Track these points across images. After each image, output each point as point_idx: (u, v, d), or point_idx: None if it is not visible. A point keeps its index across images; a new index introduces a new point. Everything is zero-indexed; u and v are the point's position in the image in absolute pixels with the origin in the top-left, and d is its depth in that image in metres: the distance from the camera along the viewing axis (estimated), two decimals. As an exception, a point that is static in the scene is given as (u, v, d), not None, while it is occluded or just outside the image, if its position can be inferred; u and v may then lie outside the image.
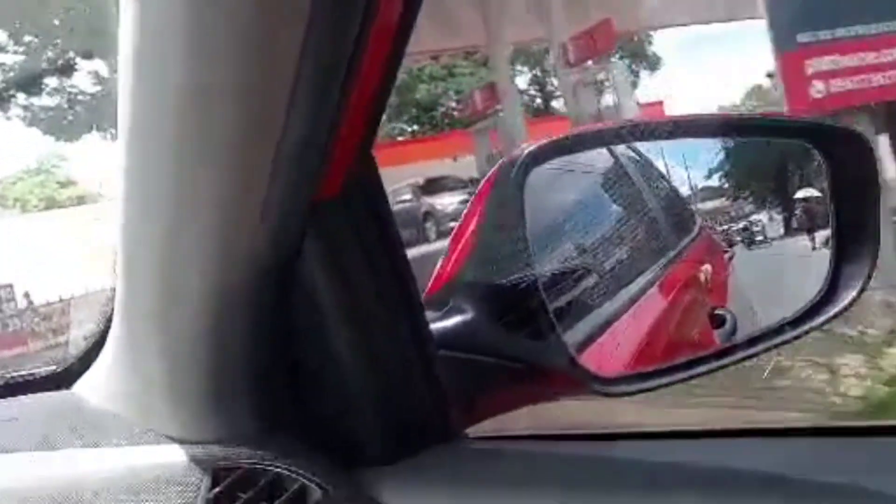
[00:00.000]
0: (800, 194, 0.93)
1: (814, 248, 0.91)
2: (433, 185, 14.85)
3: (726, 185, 0.97)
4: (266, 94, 0.55)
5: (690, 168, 0.94)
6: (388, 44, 0.61)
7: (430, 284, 0.78)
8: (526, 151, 0.75)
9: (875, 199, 0.79)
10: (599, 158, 0.88)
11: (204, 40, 0.51)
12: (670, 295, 0.91)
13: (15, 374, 0.87)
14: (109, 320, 0.75)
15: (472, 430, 0.75)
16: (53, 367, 0.85)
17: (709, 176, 0.96)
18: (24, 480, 0.69)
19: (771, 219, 0.98)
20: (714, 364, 0.77)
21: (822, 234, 0.87)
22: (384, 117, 0.68)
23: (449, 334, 0.74)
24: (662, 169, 0.95)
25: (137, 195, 0.63)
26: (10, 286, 15.64)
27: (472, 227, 0.76)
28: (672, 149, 0.90)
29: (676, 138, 0.86)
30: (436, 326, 0.74)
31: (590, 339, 0.77)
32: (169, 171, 0.58)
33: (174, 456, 0.69)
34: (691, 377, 0.76)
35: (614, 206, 0.91)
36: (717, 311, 0.93)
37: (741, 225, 0.96)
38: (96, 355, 0.80)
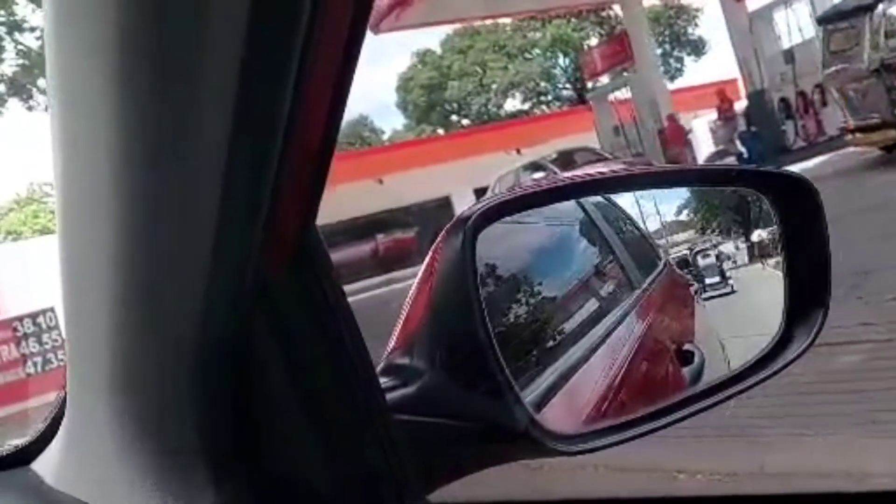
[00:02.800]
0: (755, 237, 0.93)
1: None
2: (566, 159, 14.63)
3: (693, 219, 0.97)
4: (200, 174, 0.55)
5: (658, 204, 0.94)
6: (326, 111, 0.61)
7: (387, 350, 0.78)
8: (475, 212, 0.75)
9: (823, 248, 0.79)
10: (562, 205, 0.88)
11: (130, 108, 0.51)
12: (633, 338, 0.91)
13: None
14: (66, 389, 0.75)
15: (433, 497, 0.75)
16: (17, 444, 0.85)
17: (678, 212, 0.96)
18: None
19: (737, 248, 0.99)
20: (677, 414, 0.77)
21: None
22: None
23: (406, 399, 0.74)
24: (628, 208, 0.95)
25: (78, 279, 0.63)
26: (52, 310, 14.61)
27: (426, 289, 0.76)
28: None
29: (625, 191, 0.86)
30: (393, 392, 0.74)
31: (549, 395, 0.77)
32: (108, 257, 0.59)
33: None
34: (654, 430, 0.76)
35: (575, 253, 0.91)
36: (684, 348, 0.93)
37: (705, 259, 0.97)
38: (56, 430, 0.80)
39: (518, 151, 19.00)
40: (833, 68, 12.76)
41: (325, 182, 0.65)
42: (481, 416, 0.73)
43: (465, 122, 39.17)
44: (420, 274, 0.77)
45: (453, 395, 0.74)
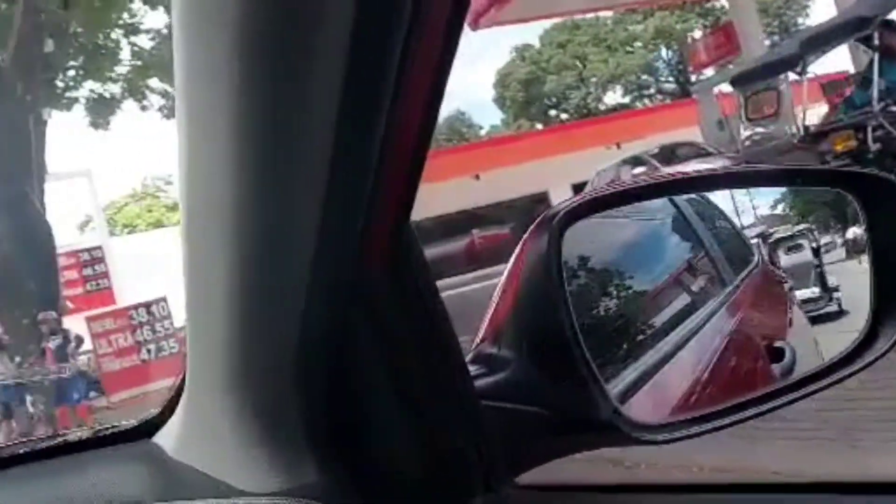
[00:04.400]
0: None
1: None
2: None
3: (790, 214, 0.97)
4: (306, 176, 0.60)
5: (753, 198, 0.94)
6: (422, 111, 0.65)
7: (476, 339, 0.81)
8: (563, 209, 0.78)
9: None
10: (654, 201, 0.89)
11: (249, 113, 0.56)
12: (723, 333, 0.91)
13: (101, 428, 0.95)
14: (184, 371, 0.82)
15: (518, 480, 0.78)
16: (140, 419, 0.93)
17: (773, 206, 0.96)
18: None
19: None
20: (764, 406, 0.78)
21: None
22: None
23: (493, 386, 0.77)
24: (721, 202, 0.95)
25: (198, 277, 0.69)
26: (165, 299, 15.23)
27: (514, 281, 0.79)
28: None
29: (713, 190, 0.87)
30: (481, 380, 0.77)
31: (635, 387, 0.79)
32: (224, 257, 0.64)
33: None
34: (740, 421, 0.77)
35: (666, 249, 0.92)
36: (776, 345, 0.93)
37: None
38: (175, 407, 0.87)
39: (618, 146, 18.73)
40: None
41: (420, 181, 0.69)
42: (566, 405, 0.75)
43: (563, 116, 38.87)
44: (508, 267, 0.80)
45: (539, 384, 0.76)
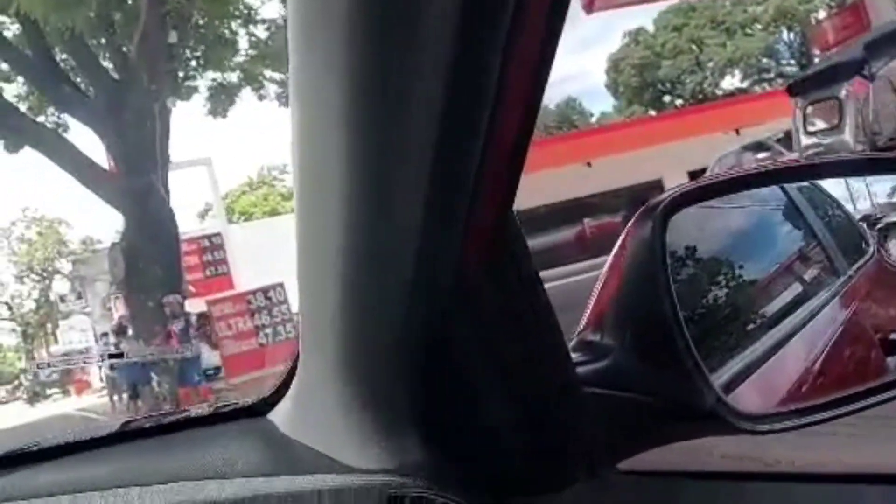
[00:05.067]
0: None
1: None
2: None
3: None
4: (412, 166, 0.62)
5: (869, 185, 0.92)
6: (524, 101, 0.66)
7: (580, 326, 0.82)
8: (668, 197, 0.78)
9: None
10: (764, 189, 0.88)
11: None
12: (835, 325, 0.90)
13: (220, 405, 1.01)
14: (298, 351, 0.87)
15: (619, 466, 0.79)
16: (255, 398, 0.98)
17: (891, 194, 0.94)
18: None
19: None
20: (875, 398, 0.76)
21: None
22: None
23: (596, 373, 0.78)
24: (835, 190, 0.94)
25: (312, 264, 0.73)
26: (282, 285, 15.56)
27: (618, 269, 0.80)
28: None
29: (826, 178, 0.85)
30: (583, 367, 0.79)
31: (741, 376, 0.78)
32: (336, 220, 0.67)
33: (352, 485, 0.78)
34: (848, 413, 0.75)
35: (776, 238, 0.91)
36: (891, 337, 0.91)
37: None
38: (288, 387, 0.92)
39: (736, 132, 18.13)
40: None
41: (522, 171, 0.71)
42: (668, 393, 0.76)
43: (678, 102, 37.95)
44: (612, 255, 0.80)
45: (641, 372, 0.77)
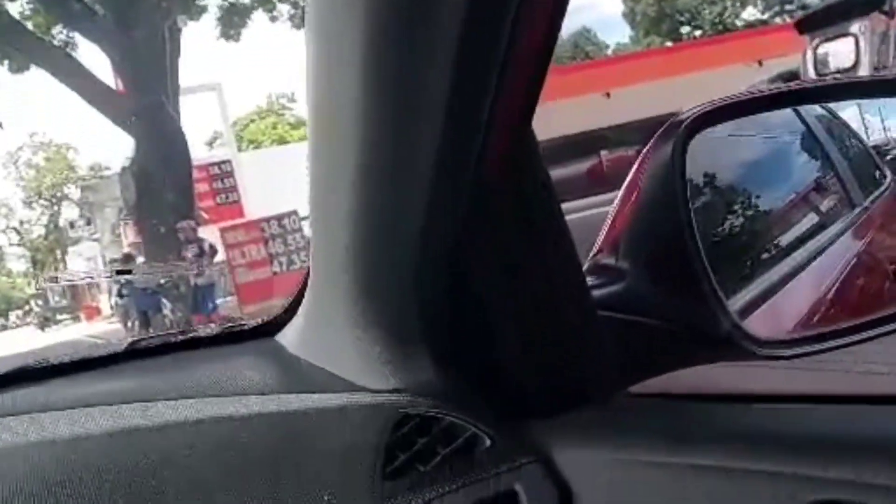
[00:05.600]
0: None
1: None
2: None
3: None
4: (428, 69, 0.62)
5: (886, 119, 0.91)
6: (546, 19, 0.65)
7: (594, 249, 0.82)
8: (692, 115, 0.77)
9: None
10: (780, 115, 0.87)
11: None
12: (852, 254, 0.90)
13: (229, 326, 1.02)
14: (308, 273, 0.88)
15: (632, 389, 0.80)
16: (262, 319, 0.99)
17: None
18: (223, 421, 0.79)
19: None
20: (889, 327, 0.76)
21: None
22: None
23: (611, 297, 0.79)
24: (852, 121, 0.93)
25: (325, 182, 0.74)
26: (296, 213, 15.33)
27: (635, 191, 0.79)
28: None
29: (848, 99, 0.84)
30: (597, 290, 0.79)
31: (756, 303, 0.79)
32: (350, 141, 0.67)
33: (361, 403, 0.79)
34: (862, 340, 0.76)
35: (792, 167, 0.91)
36: None
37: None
38: (296, 309, 0.93)
39: (759, 64, 17.80)
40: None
41: (542, 87, 0.70)
42: (683, 317, 0.76)
43: (696, 33, 37.21)
44: (629, 176, 0.80)
45: (656, 297, 0.78)
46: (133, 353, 0.94)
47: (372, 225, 0.73)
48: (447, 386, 0.79)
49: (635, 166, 0.80)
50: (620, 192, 0.81)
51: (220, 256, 14.39)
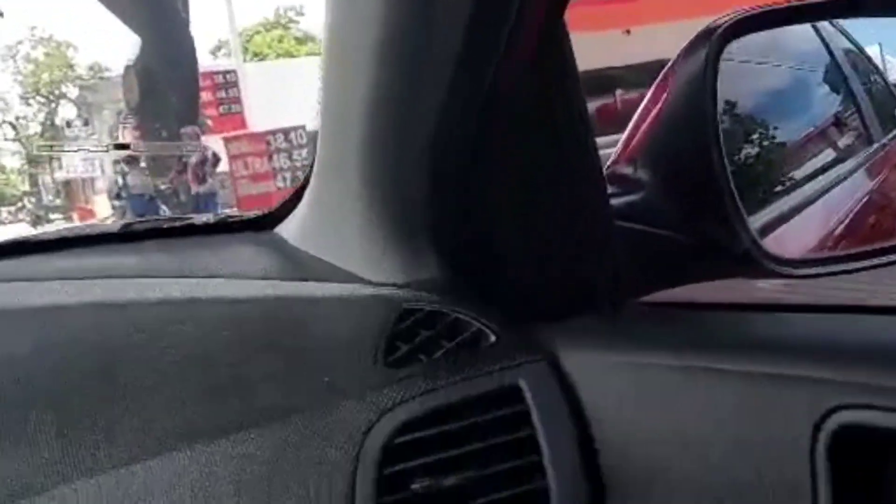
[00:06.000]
0: None
1: None
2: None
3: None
4: None
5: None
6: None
7: (614, 157, 0.82)
8: (724, 23, 0.76)
9: None
10: (806, 43, 0.87)
11: None
12: (867, 188, 0.91)
13: (226, 216, 1.02)
14: (311, 167, 0.87)
15: (646, 298, 0.80)
16: (260, 212, 0.99)
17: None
18: (219, 301, 0.80)
19: None
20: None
21: None
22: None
23: (629, 207, 0.79)
24: (877, 57, 0.93)
25: (338, 56, 0.73)
26: (303, 128, 14.95)
27: (660, 100, 0.79)
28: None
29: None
30: (614, 199, 0.79)
31: (776, 223, 0.79)
32: (369, 20, 0.67)
33: (364, 294, 0.80)
34: (877, 266, 0.76)
35: (815, 98, 0.91)
36: None
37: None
38: (297, 202, 0.93)
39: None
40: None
41: None
42: (702, 232, 0.77)
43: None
44: (654, 85, 0.79)
45: (675, 209, 0.78)
46: (127, 235, 0.95)
47: (386, 116, 0.73)
48: (453, 283, 0.80)
49: (661, 75, 0.79)
50: (644, 101, 0.80)
51: (223, 167, 14.24)
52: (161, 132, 14.01)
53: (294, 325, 0.78)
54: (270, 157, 15.14)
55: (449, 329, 0.76)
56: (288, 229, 0.95)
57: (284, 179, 15.08)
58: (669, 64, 0.79)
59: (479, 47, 0.67)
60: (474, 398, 0.71)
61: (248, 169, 14.90)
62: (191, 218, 1.04)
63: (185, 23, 14.49)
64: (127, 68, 15.52)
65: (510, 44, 0.68)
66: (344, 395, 0.70)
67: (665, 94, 0.78)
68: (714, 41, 0.75)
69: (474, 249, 0.80)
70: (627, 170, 0.81)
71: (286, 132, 15.33)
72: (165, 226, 1.00)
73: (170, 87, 13.98)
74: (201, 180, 12.98)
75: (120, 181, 14.31)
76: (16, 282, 0.81)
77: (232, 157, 14.70)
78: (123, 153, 15.04)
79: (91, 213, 28.26)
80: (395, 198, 0.79)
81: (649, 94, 0.80)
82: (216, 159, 13.46)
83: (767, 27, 0.80)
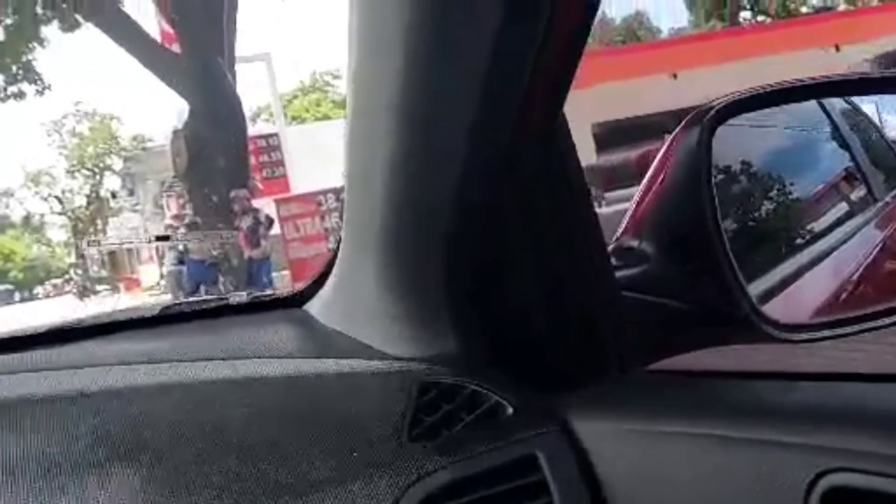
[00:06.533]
0: None
1: None
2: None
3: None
4: (466, 52, 0.69)
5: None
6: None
7: (619, 231, 0.89)
8: (715, 107, 0.83)
9: None
10: (805, 108, 0.92)
11: None
12: (871, 247, 0.95)
13: (259, 294, 1.10)
14: (338, 245, 0.95)
15: (651, 367, 0.86)
16: (292, 289, 1.07)
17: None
18: (245, 381, 0.86)
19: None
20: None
21: None
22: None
23: (634, 278, 0.85)
24: (877, 117, 0.97)
25: (364, 140, 0.80)
26: None
27: (660, 177, 0.85)
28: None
29: (876, 94, 0.88)
30: (621, 271, 0.85)
31: (776, 290, 0.84)
32: (392, 107, 0.74)
33: (388, 369, 0.87)
34: (881, 327, 0.81)
35: (815, 159, 0.96)
36: None
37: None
38: (325, 280, 1.00)
39: (836, 49, 17.36)
40: None
41: (575, 71, 0.76)
42: (703, 299, 0.82)
43: (759, 18, 36.28)
44: (656, 162, 0.86)
45: (677, 279, 0.84)
46: (165, 318, 1.03)
47: (405, 202, 0.80)
48: (471, 357, 0.86)
49: (661, 151, 0.85)
50: (646, 177, 0.87)
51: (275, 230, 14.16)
52: (211, 197, 13.92)
53: (320, 402, 0.84)
54: (322, 218, 15.08)
55: (468, 402, 0.82)
56: (317, 306, 1.03)
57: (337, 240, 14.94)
58: (668, 140, 0.85)
59: (488, 135, 0.74)
60: (494, 469, 0.76)
61: (300, 231, 14.76)
62: (226, 298, 1.11)
63: (232, 85, 14.49)
64: (175, 133, 15.58)
65: (516, 130, 0.75)
66: (371, 469, 0.75)
67: (664, 171, 0.85)
68: (708, 120, 0.81)
69: (490, 323, 0.86)
70: (633, 242, 0.87)
71: (337, 192, 15.29)
72: (201, 307, 1.07)
73: (218, 151, 13.86)
74: (255, 244, 12.83)
75: (180, 246, 14.16)
76: (59, 370, 0.87)
77: (283, 220, 14.52)
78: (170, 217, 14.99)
79: (137, 283, 28.75)
80: (414, 276, 0.86)
81: (651, 170, 0.86)
82: (270, 222, 13.30)
83: (758, 108, 0.86)
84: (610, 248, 0.87)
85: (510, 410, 0.82)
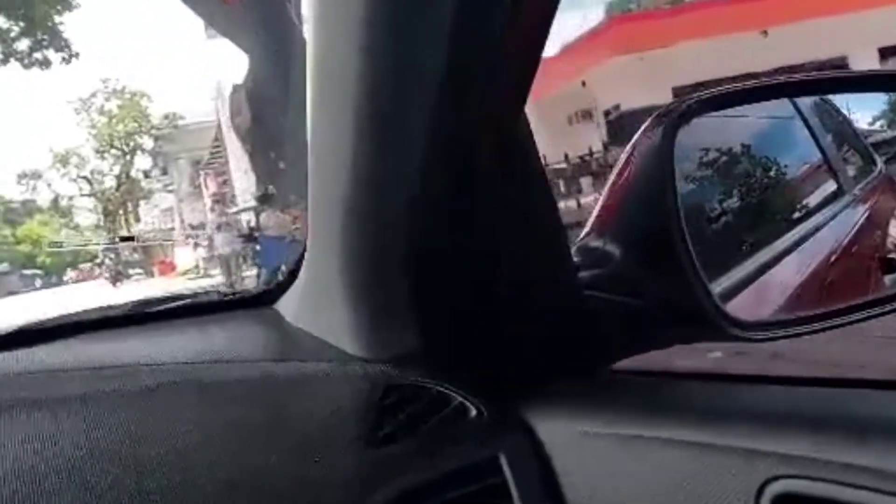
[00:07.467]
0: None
1: None
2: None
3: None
4: (423, 59, 0.75)
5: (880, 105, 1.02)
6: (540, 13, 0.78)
7: (583, 231, 0.95)
8: (679, 106, 0.89)
9: None
10: (775, 102, 0.97)
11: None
12: (838, 241, 1.00)
13: (230, 292, 1.18)
14: (305, 244, 1.01)
15: (614, 366, 0.93)
16: (264, 287, 1.14)
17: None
18: (205, 386, 0.91)
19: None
20: (868, 313, 0.87)
21: None
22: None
23: (597, 278, 0.91)
24: (845, 108, 1.03)
25: (325, 140, 0.87)
26: None
27: (624, 177, 0.92)
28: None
29: (842, 93, 0.95)
30: (585, 271, 0.92)
31: (739, 287, 0.90)
32: (349, 93, 0.80)
33: (352, 372, 0.92)
34: (841, 325, 0.87)
35: (783, 151, 1.01)
36: (889, 256, 1.02)
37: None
38: (294, 279, 1.07)
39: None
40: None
41: (534, 75, 0.82)
42: (667, 299, 0.88)
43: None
44: (619, 162, 0.94)
45: (641, 278, 0.90)
46: (133, 318, 1.08)
47: (366, 200, 0.86)
48: (435, 357, 0.92)
49: (625, 152, 0.93)
50: (610, 178, 0.95)
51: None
52: (277, 163, 12.95)
53: (281, 407, 0.89)
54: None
55: (432, 403, 0.88)
56: (285, 305, 1.09)
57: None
58: (632, 141, 0.93)
59: (448, 137, 0.80)
60: (456, 472, 0.81)
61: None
62: (196, 296, 1.18)
63: (300, 30, 12.34)
64: (235, 88, 14.70)
65: (477, 131, 0.82)
66: (333, 474, 0.80)
67: (628, 170, 0.92)
68: (670, 121, 0.88)
69: (454, 323, 0.92)
70: (597, 241, 0.93)
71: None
72: (173, 306, 1.13)
73: (285, 107, 11.88)
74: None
75: (252, 221, 13.30)
76: (34, 374, 0.90)
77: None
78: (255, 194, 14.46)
79: (171, 267, 29.12)
80: (378, 276, 0.91)
81: (615, 170, 0.92)
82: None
83: (721, 108, 0.92)
84: (574, 247, 0.93)
85: (474, 412, 0.87)
